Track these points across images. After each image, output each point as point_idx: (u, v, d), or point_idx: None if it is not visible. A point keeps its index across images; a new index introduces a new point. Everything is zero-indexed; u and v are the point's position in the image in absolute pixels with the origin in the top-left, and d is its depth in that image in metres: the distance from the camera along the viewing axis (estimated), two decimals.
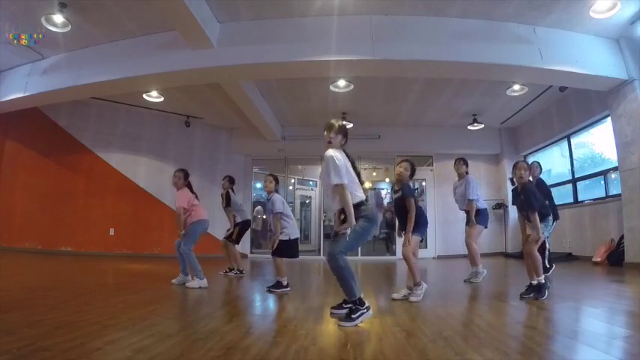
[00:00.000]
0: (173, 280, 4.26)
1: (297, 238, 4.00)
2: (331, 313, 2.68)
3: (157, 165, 8.73)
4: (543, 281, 3.24)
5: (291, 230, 3.96)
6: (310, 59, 5.17)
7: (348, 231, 2.49)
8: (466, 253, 4.86)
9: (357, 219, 2.51)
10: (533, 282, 3.26)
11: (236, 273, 5.16)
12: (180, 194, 4.21)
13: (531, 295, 3.24)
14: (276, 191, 4.10)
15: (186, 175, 4.34)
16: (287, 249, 3.93)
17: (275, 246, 3.90)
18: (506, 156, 9.32)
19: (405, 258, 3.32)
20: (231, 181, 5.47)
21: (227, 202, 5.30)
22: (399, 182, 3.46)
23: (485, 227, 4.72)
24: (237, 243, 5.42)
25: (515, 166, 3.45)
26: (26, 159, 8.07)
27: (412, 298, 3.20)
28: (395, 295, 3.31)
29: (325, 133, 2.66)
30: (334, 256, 2.47)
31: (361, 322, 2.41)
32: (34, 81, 6.22)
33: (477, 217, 4.57)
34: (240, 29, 5.25)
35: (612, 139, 5.91)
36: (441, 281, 5.16)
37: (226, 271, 5.22)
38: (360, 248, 9.41)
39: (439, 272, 6.30)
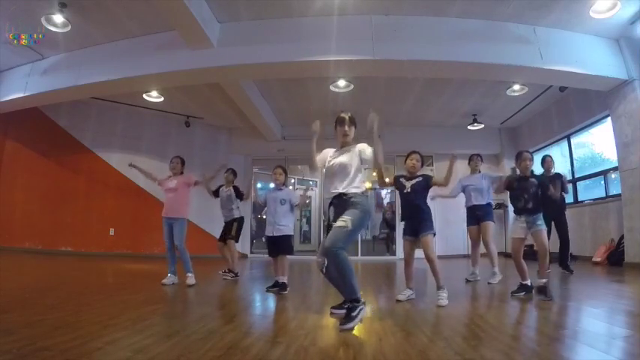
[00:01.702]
0: (164, 281, 4.17)
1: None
2: (331, 313, 2.67)
3: (157, 165, 8.67)
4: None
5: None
6: (310, 59, 5.17)
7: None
8: (467, 253, 4.85)
9: (355, 205, 2.48)
10: (539, 282, 3.25)
11: (232, 276, 4.95)
12: (188, 175, 4.53)
13: (523, 293, 3.31)
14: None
15: (183, 161, 4.56)
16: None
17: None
18: (506, 156, 9.30)
19: (432, 260, 3.22)
20: (234, 173, 5.37)
21: (241, 195, 5.21)
22: (413, 174, 3.41)
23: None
24: (238, 240, 5.35)
25: (520, 157, 3.44)
26: (26, 159, 8.07)
27: (442, 302, 3.08)
28: (400, 297, 3.25)
29: (346, 128, 2.73)
30: (334, 251, 2.32)
31: (360, 319, 2.33)
32: (34, 81, 6.22)
33: (489, 213, 4.60)
34: (240, 29, 5.25)
35: (612, 139, 5.90)
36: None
37: (225, 272, 5.08)
38: (360, 248, 9.44)
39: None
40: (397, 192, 3.55)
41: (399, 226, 9.43)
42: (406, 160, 3.46)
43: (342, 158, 2.66)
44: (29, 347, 1.78)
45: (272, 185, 4.24)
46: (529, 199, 3.32)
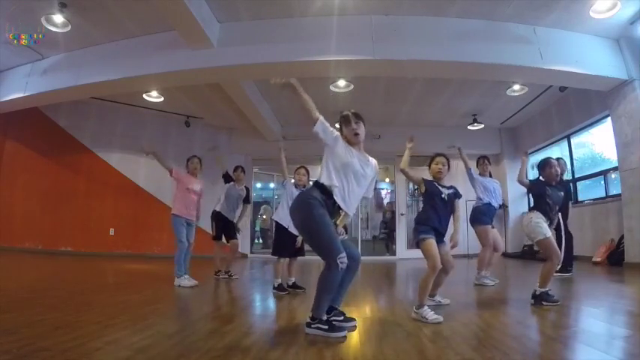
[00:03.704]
0: (189, 284, 4.08)
1: None
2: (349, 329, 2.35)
3: (157, 165, 8.68)
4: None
5: None
6: (310, 59, 5.17)
7: None
8: (467, 253, 4.80)
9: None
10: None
11: (223, 275, 4.90)
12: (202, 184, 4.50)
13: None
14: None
15: (200, 161, 4.55)
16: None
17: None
18: (506, 156, 9.31)
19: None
20: (244, 172, 5.24)
21: (249, 200, 5.15)
22: (440, 180, 3.01)
23: None
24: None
25: (550, 164, 3.21)
26: (26, 159, 8.08)
27: (446, 301, 3.05)
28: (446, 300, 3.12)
29: (354, 125, 2.45)
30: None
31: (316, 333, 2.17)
32: (34, 81, 6.22)
33: None
34: (240, 29, 5.25)
35: (612, 139, 5.90)
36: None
37: (231, 274, 4.99)
38: (360, 248, 9.43)
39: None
40: (424, 195, 3.02)
41: (399, 226, 9.49)
42: (430, 164, 3.04)
43: (369, 171, 2.43)
44: (29, 347, 1.78)
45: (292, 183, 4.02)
46: (557, 211, 3.21)
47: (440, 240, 2.86)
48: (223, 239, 5.09)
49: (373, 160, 2.53)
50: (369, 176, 2.45)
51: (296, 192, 3.92)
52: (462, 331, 2.29)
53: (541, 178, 3.28)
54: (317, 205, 2.24)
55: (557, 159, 4.95)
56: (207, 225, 5.22)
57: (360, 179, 2.36)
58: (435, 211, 2.87)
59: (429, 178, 3.09)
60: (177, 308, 3.25)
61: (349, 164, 2.32)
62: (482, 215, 4.45)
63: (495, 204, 4.51)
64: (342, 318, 2.33)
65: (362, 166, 2.39)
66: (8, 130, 7.93)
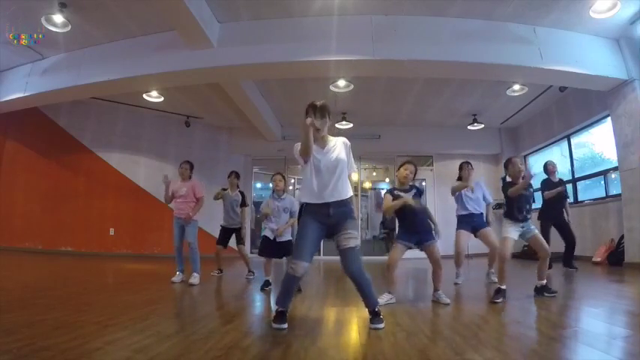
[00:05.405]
0: (174, 279, 4.30)
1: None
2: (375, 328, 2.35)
3: (156, 165, 8.73)
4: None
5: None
6: (310, 59, 5.17)
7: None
8: (467, 253, 4.78)
9: (352, 213, 2.46)
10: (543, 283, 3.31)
11: (252, 275, 5.01)
12: (199, 185, 4.58)
13: (501, 299, 3.17)
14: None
15: (192, 166, 4.61)
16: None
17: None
18: (506, 156, 9.28)
19: (442, 266, 3.24)
20: (238, 177, 5.32)
21: (246, 204, 5.20)
22: (404, 184, 3.31)
23: None
24: (244, 244, 5.37)
25: (512, 162, 3.45)
26: (26, 159, 8.07)
27: (447, 300, 3.14)
28: (379, 301, 3.02)
29: (325, 118, 2.49)
30: (362, 272, 2.40)
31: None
32: (34, 81, 6.22)
33: (485, 221, 4.57)
34: (240, 29, 5.25)
35: (612, 139, 5.91)
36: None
37: (219, 271, 5.19)
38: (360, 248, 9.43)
39: None
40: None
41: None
42: (399, 168, 3.32)
43: (337, 153, 2.43)
44: (29, 347, 1.78)
45: (271, 192, 4.16)
46: (529, 209, 3.31)
47: (427, 238, 3.21)
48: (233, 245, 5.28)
49: (338, 140, 2.54)
50: (336, 157, 2.44)
51: (273, 201, 4.01)
52: (462, 331, 2.29)
53: (508, 178, 3.46)
54: (303, 212, 2.46)
55: (547, 162, 5.38)
56: (210, 229, 5.31)
57: (327, 168, 2.41)
58: (404, 219, 3.23)
59: (395, 184, 3.34)
60: (177, 308, 3.25)
61: (312, 164, 2.43)
62: (457, 223, 4.60)
63: (465, 212, 4.49)
64: (371, 317, 2.40)
65: (324, 156, 2.45)
66: (8, 130, 7.92)
